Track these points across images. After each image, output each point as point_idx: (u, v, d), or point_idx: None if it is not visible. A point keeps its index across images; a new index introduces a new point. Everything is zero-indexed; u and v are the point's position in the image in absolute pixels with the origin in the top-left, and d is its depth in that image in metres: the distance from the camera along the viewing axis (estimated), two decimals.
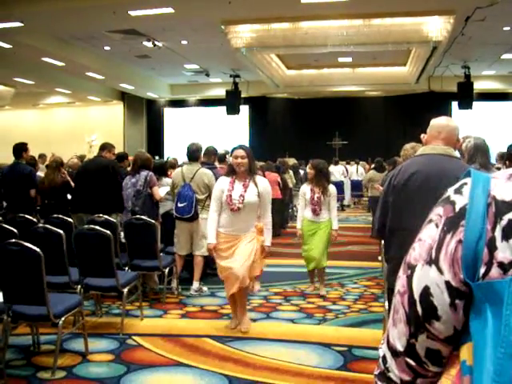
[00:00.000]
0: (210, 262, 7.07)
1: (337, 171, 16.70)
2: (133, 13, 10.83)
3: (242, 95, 19.23)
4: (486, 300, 0.70)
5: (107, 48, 15.47)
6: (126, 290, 4.90)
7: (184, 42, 14.73)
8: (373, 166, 11.75)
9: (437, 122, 3.05)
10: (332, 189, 6.16)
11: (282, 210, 11.40)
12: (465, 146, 3.61)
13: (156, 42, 14.19)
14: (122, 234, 5.99)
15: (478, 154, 3.62)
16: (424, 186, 2.80)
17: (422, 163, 2.99)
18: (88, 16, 10.96)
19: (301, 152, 19.47)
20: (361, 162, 17.33)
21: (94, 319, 5.27)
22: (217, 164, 7.58)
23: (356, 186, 16.62)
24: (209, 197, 6.24)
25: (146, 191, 6.39)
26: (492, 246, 0.70)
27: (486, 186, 0.75)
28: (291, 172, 12.67)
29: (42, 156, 11.92)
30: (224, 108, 19.22)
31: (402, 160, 5.11)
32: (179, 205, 6.07)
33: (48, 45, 14.08)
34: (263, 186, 4.71)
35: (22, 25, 11.44)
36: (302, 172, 14.76)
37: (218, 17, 11.52)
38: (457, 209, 0.76)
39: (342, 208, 16.59)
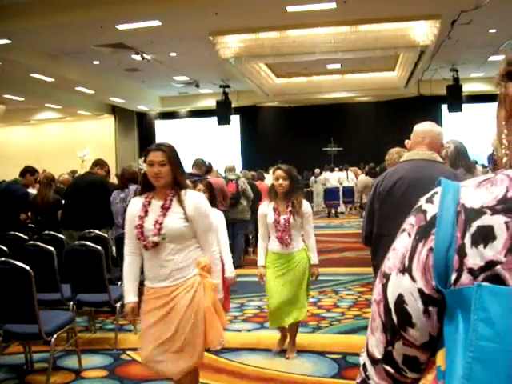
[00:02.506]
0: None
1: (333, 178, 16.77)
2: (120, 27, 10.85)
3: (233, 105, 19.26)
4: (457, 306, 0.73)
5: (96, 62, 15.47)
6: (119, 305, 4.88)
7: (173, 54, 14.76)
8: (365, 171, 11.77)
9: (421, 128, 3.07)
10: (307, 206, 4.47)
11: None
12: (445, 152, 3.62)
13: (144, 55, 14.20)
14: (114, 248, 5.98)
15: (461, 158, 3.64)
16: (409, 192, 2.81)
17: (407, 169, 2.99)
18: (76, 31, 10.97)
19: (294, 160, 19.41)
20: (352, 168, 17.35)
21: (88, 335, 5.25)
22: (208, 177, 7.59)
23: (347, 192, 16.63)
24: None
25: None
26: (462, 253, 0.73)
27: (456, 195, 0.77)
28: None
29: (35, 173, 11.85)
30: (215, 118, 19.24)
31: (387, 165, 5.12)
32: None
33: (36, 61, 14.08)
34: (194, 202, 3.02)
35: (10, 42, 11.45)
36: None
37: (205, 28, 11.55)
38: (428, 218, 0.78)
39: (335, 215, 16.64)
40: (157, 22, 10.73)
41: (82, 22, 10.23)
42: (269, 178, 4.57)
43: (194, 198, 3.07)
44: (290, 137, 21.36)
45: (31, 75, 15.25)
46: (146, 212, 3.03)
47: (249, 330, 5.28)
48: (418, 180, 2.83)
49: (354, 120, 21.25)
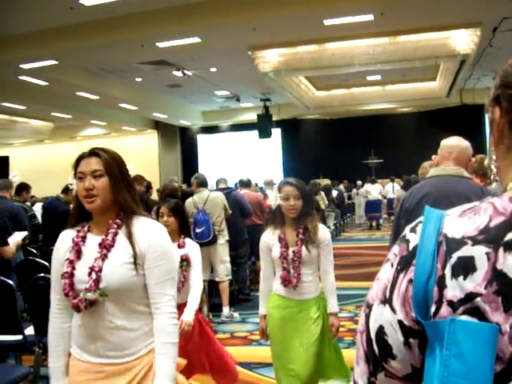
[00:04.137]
0: (240, 287, 7.14)
1: (374, 190, 16.62)
2: (160, 44, 11.08)
3: (274, 118, 19.32)
4: (436, 338, 0.70)
5: (138, 79, 15.87)
6: None
7: (213, 70, 14.99)
8: (402, 184, 11.59)
9: (447, 143, 3.03)
10: (325, 232, 3.30)
11: None
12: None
13: (185, 71, 14.46)
14: None
15: None
16: (435, 208, 2.77)
17: (433, 185, 2.96)
18: (118, 50, 11.27)
19: (335, 172, 19.42)
20: (396, 180, 17.15)
21: None
22: (243, 191, 7.66)
23: (392, 203, 16.45)
24: (226, 220, 6.33)
25: None
26: (442, 285, 0.71)
27: (438, 224, 0.75)
28: (323, 193, 12.64)
29: None
30: (256, 132, 19.33)
31: (420, 179, 5.05)
32: (197, 230, 6.14)
33: (82, 80, 14.57)
34: (148, 237, 2.00)
35: (57, 62, 11.88)
36: (334, 192, 14.74)
37: (244, 43, 11.68)
38: (410, 247, 0.76)
39: (377, 227, 16.47)
40: (196, 39, 10.90)
41: (124, 41, 10.50)
42: (272, 196, 2.96)
43: (149, 230, 2.00)
44: (331, 149, 21.29)
45: (77, 93, 15.78)
46: (79, 253, 2.00)
47: None
48: (444, 196, 2.79)
49: (394, 131, 21.01)
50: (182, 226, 3.59)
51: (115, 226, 2.00)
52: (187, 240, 3.57)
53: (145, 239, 1.98)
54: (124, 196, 2.00)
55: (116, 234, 1.99)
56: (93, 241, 2.01)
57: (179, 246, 3.47)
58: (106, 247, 1.97)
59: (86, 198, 1.96)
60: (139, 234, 1.98)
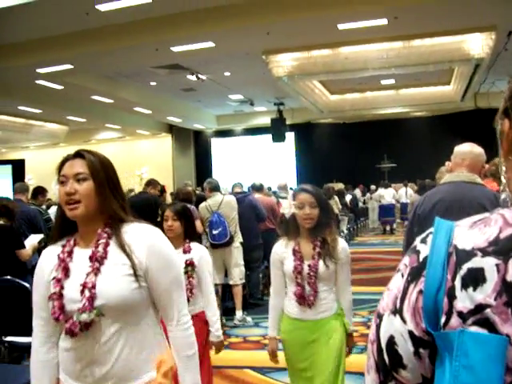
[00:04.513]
0: (252, 291, 7.16)
1: (388, 194, 16.58)
2: (175, 49, 11.14)
3: (287, 122, 19.32)
4: (445, 349, 0.71)
5: (153, 83, 15.97)
6: None
7: (227, 74, 15.05)
8: (416, 189, 11.52)
9: (460, 149, 3.03)
10: (344, 246, 2.99)
11: None
12: None
13: (199, 75, 14.52)
14: None
15: None
16: (448, 215, 2.76)
17: (446, 191, 2.97)
18: (132, 54, 11.36)
19: (349, 176, 19.39)
20: (409, 184, 17.09)
21: None
22: (256, 195, 7.68)
23: (405, 208, 16.40)
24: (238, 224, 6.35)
25: None
26: (452, 296, 0.71)
27: (448, 235, 0.76)
28: (336, 198, 12.63)
29: None
30: (270, 136, 19.34)
31: (437, 183, 5.04)
32: (214, 232, 6.17)
33: (96, 84, 14.69)
34: (145, 243, 1.76)
35: (72, 67, 11.99)
36: (348, 197, 14.71)
37: (257, 47, 11.72)
38: (420, 258, 0.77)
39: (391, 232, 16.41)
40: (210, 43, 10.95)
41: (139, 45, 10.57)
42: (285, 203, 2.42)
43: (146, 237, 1.75)
44: (345, 153, 21.25)
45: (92, 97, 15.91)
46: (67, 271, 1.73)
47: None
48: (457, 202, 2.80)
49: (408, 135, 20.90)
50: (188, 231, 3.35)
51: (105, 235, 1.74)
52: (193, 244, 3.32)
53: (143, 247, 1.72)
54: (110, 203, 1.74)
55: (107, 244, 1.73)
56: (81, 255, 1.74)
57: (184, 251, 3.23)
58: (97, 260, 1.70)
59: (67, 205, 1.71)
60: (135, 241, 1.72)
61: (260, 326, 6.23)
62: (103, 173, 1.77)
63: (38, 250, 5.81)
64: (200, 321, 3.10)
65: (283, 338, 3.04)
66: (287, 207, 2.99)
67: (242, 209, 6.53)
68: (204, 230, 6.41)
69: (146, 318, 1.75)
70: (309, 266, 2.89)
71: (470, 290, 0.70)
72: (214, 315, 3.19)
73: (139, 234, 1.76)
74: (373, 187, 18.34)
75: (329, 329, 2.90)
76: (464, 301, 0.70)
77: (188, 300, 2.86)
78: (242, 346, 5.53)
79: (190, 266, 3.20)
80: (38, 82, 13.30)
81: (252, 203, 6.90)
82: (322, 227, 2.89)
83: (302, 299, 2.89)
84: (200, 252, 3.28)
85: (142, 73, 14.28)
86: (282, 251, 2.97)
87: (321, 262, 2.88)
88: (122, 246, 1.71)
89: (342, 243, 2.96)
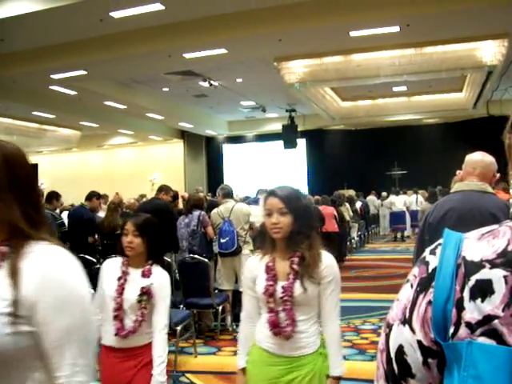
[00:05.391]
0: None
1: (398, 201, 16.56)
2: (187, 55, 11.21)
3: (299, 129, 19.30)
4: (454, 359, 0.72)
5: (165, 89, 16.07)
6: (179, 328, 5.01)
7: (239, 80, 15.12)
8: (426, 197, 11.46)
9: (471, 158, 3.03)
10: (329, 263, 2.41)
11: (339, 244, 11.35)
12: None
13: (212, 82, 14.60)
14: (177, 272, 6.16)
15: None
16: (458, 224, 2.78)
17: (456, 200, 2.97)
18: (145, 61, 11.45)
19: (360, 183, 19.35)
20: (420, 191, 17.04)
21: None
22: None
23: (415, 216, 16.33)
24: (250, 229, 6.37)
25: (200, 231, 6.55)
26: (460, 307, 0.72)
27: (457, 247, 0.77)
28: (347, 204, 12.62)
29: (104, 196, 12.37)
30: (281, 142, 19.35)
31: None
32: (222, 240, 6.23)
33: (110, 89, 14.83)
34: (40, 274, 1.17)
35: (86, 72, 12.11)
36: (359, 204, 14.68)
37: (269, 54, 11.77)
38: (429, 270, 0.78)
39: (402, 239, 16.36)
40: (222, 50, 11.01)
41: (151, 52, 10.65)
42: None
43: (44, 264, 1.20)
44: (356, 160, 21.21)
45: (105, 103, 16.05)
46: None
47: None
48: (467, 211, 2.80)
49: (419, 142, 20.81)
50: (152, 249, 2.86)
51: None
52: (156, 268, 2.85)
53: (35, 278, 1.18)
54: (10, 210, 1.24)
55: None
56: None
57: (143, 275, 2.81)
58: None
59: None
60: (29, 269, 1.18)
61: None
62: (5, 171, 1.29)
63: None
64: (147, 354, 2.75)
65: (248, 370, 2.44)
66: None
67: None
68: (215, 235, 6.46)
69: (28, 375, 1.19)
70: (282, 287, 2.31)
71: (479, 301, 0.71)
72: (160, 355, 2.69)
73: (39, 258, 1.21)
74: (384, 194, 18.31)
75: (307, 371, 2.32)
76: (472, 312, 0.71)
77: (133, 331, 2.75)
78: None
79: (145, 294, 2.76)
80: (52, 87, 13.45)
81: None
82: (298, 239, 2.34)
83: (277, 329, 2.30)
84: (161, 279, 2.82)
85: (155, 79, 14.39)
86: (255, 267, 2.43)
87: (297, 284, 2.31)
88: (13, 274, 1.18)
89: (326, 259, 2.38)
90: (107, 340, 2.79)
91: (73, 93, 14.26)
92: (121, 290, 2.80)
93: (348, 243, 12.80)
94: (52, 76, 12.29)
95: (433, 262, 0.78)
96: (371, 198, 17.78)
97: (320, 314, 2.39)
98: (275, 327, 2.31)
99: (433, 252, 0.80)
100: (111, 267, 2.90)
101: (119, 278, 2.82)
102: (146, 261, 2.86)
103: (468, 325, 0.71)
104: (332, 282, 2.37)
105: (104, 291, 2.83)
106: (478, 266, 0.73)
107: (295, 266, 2.32)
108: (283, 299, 2.30)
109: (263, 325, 2.38)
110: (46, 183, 21.54)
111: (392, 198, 16.92)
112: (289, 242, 2.35)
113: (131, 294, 2.78)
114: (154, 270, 2.84)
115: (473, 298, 0.72)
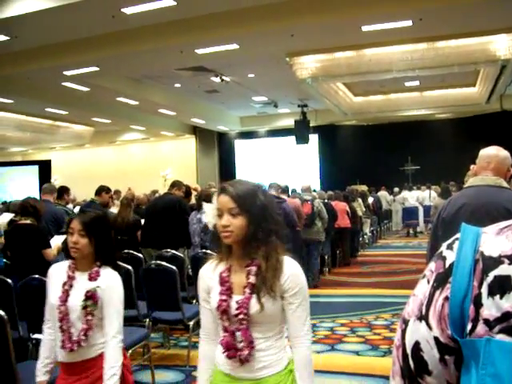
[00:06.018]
0: None
1: (411, 197, 16.52)
2: (199, 51, 11.23)
3: (311, 124, 19.25)
4: (471, 357, 0.70)
5: (177, 85, 16.11)
6: (192, 323, 5.03)
7: (251, 76, 15.11)
8: (439, 192, 11.39)
9: (486, 152, 3.00)
10: (293, 273, 1.99)
11: (352, 239, 11.33)
12: None
13: (223, 77, 14.61)
14: (190, 267, 6.18)
15: None
16: (472, 219, 2.76)
17: (471, 195, 2.95)
18: (157, 57, 11.48)
19: (372, 179, 19.27)
20: (433, 187, 16.95)
21: (162, 351, 5.44)
22: (284, 197, 7.67)
23: (428, 211, 16.26)
24: None
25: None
26: (478, 303, 0.71)
27: (475, 242, 0.75)
28: (360, 200, 12.58)
29: (117, 192, 12.43)
30: (293, 138, 19.33)
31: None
32: None
33: (122, 86, 14.89)
34: None
35: (98, 69, 12.17)
36: (371, 199, 14.64)
37: (281, 49, 11.75)
38: (447, 265, 0.76)
39: (414, 234, 16.29)
40: (234, 46, 11.01)
41: (163, 47, 10.68)
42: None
43: None
44: (368, 155, 21.13)
45: (117, 99, 16.11)
46: None
47: (319, 352, 5.28)
48: (482, 206, 2.78)
49: (432, 138, 20.68)
50: (101, 250, 2.55)
51: None
52: (105, 270, 2.55)
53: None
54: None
55: None
56: None
57: (90, 278, 2.51)
58: None
59: None
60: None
61: None
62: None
63: (64, 251, 5.93)
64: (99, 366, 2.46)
65: None
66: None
67: None
68: None
69: None
70: (237, 303, 1.94)
71: (497, 297, 0.69)
72: (112, 366, 2.39)
73: None
74: (396, 189, 18.25)
75: None
76: (490, 308, 0.69)
77: (78, 343, 2.42)
78: None
79: (89, 299, 2.46)
80: (64, 83, 13.53)
81: (285, 211, 6.89)
82: (254, 246, 1.96)
83: (232, 351, 1.95)
84: (109, 280, 2.51)
85: (167, 75, 14.42)
86: (209, 277, 2.05)
87: (253, 299, 1.92)
88: None
89: (289, 268, 1.98)
90: (59, 355, 2.51)
91: (85, 89, 14.33)
92: (64, 298, 2.48)
93: (360, 239, 12.77)
94: (65, 72, 12.36)
95: (450, 257, 0.76)
96: (383, 194, 17.72)
97: (289, 331, 2.01)
98: (229, 349, 1.95)
99: (450, 247, 0.78)
100: (57, 272, 2.59)
101: (64, 284, 2.51)
102: (93, 263, 2.55)
103: (486, 322, 0.69)
104: (298, 294, 1.96)
105: (49, 300, 2.55)
106: (496, 261, 0.71)
107: (252, 278, 1.94)
108: (238, 317, 1.93)
109: (220, 346, 2.01)
110: (58, 179, 21.68)
111: (404, 193, 16.88)
112: (245, 248, 1.98)
113: (76, 301, 2.46)
114: (102, 271, 2.53)
115: (491, 294, 0.70)
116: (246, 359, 1.93)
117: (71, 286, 2.51)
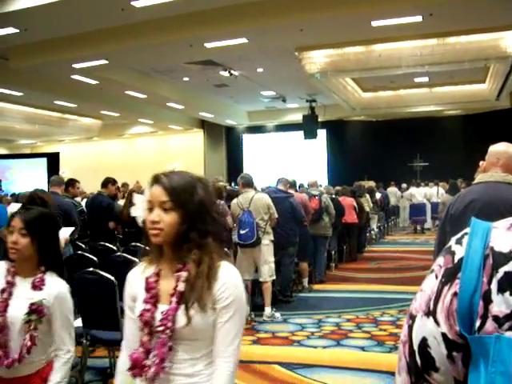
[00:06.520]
0: (282, 288, 7.18)
1: (419, 193, 16.47)
2: (208, 45, 11.21)
3: (319, 119, 19.21)
4: (480, 354, 0.69)
5: (186, 79, 16.09)
6: None
7: (260, 70, 15.08)
8: (447, 189, 11.34)
9: (495, 149, 2.99)
10: (229, 279, 1.68)
11: (359, 235, 11.32)
12: None
13: (232, 71, 14.59)
14: None
15: None
16: (481, 215, 2.73)
17: (479, 191, 2.94)
18: (166, 50, 11.47)
19: (380, 174, 19.22)
20: (441, 183, 16.87)
21: None
22: (292, 191, 7.68)
23: (435, 207, 16.20)
24: (270, 219, 6.33)
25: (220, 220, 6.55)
26: (487, 300, 0.69)
27: (485, 237, 0.73)
28: (368, 195, 12.55)
29: (125, 185, 12.46)
30: (301, 133, 19.29)
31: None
32: (241, 232, 6.19)
33: (131, 79, 14.90)
34: None
35: (107, 62, 12.19)
36: (379, 195, 14.61)
37: (291, 44, 11.72)
38: (455, 260, 0.75)
39: (422, 231, 16.25)
40: (243, 40, 10.98)
41: (172, 41, 10.67)
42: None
43: None
44: (377, 151, 21.05)
45: (126, 92, 16.14)
46: None
47: (324, 347, 5.29)
48: (490, 203, 2.76)
49: (441, 134, 20.57)
50: (44, 253, 2.26)
51: None
52: (50, 278, 2.27)
53: None
54: None
55: None
56: None
57: (34, 286, 2.23)
58: None
59: None
60: None
61: (289, 322, 6.25)
62: None
63: (73, 243, 5.98)
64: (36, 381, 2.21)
65: None
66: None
67: (281, 209, 6.54)
68: (233, 226, 6.45)
69: None
70: (163, 314, 1.66)
71: (507, 294, 0.68)
72: (57, 383, 2.17)
73: None
74: (404, 186, 18.19)
75: None
76: (500, 305, 0.68)
77: (19, 361, 2.17)
78: (270, 341, 5.57)
79: (34, 313, 2.18)
80: (73, 76, 13.55)
81: (293, 205, 6.92)
82: (186, 247, 1.68)
83: (137, 370, 1.65)
84: (56, 291, 2.24)
85: (176, 68, 14.42)
86: (136, 281, 1.78)
87: (180, 310, 1.64)
88: None
89: (225, 275, 1.69)
90: None
91: (94, 82, 14.36)
92: (4, 307, 2.19)
93: (367, 234, 12.76)
94: (74, 65, 12.38)
95: (459, 251, 0.75)
96: (392, 190, 17.69)
97: (214, 352, 1.68)
98: (135, 366, 1.65)
99: (459, 241, 0.76)
100: None
101: (2, 291, 2.22)
102: (37, 267, 2.25)
103: (495, 318, 0.68)
104: (231, 305, 1.66)
105: None
106: (506, 257, 0.70)
107: (180, 285, 1.65)
108: (160, 330, 1.63)
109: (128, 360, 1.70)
110: (67, 172, 21.75)
111: (412, 189, 16.83)
112: (176, 249, 1.70)
113: (18, 312, 2.18)
114: (47, 279, 2.24)
115: (501, 290, 0.68)
116: (152, 379, 1.61)
117: (11, 294, 2.22)
